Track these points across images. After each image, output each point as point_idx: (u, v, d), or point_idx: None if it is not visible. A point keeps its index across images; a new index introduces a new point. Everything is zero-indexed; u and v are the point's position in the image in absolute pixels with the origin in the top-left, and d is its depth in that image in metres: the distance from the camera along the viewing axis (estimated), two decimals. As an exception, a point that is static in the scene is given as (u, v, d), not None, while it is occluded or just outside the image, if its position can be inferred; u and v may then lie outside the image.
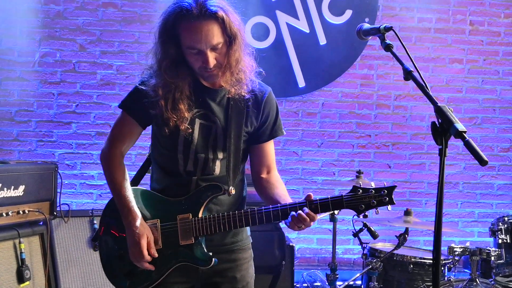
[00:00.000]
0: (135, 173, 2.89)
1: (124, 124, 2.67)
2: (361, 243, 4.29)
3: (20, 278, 3.85)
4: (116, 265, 2.65)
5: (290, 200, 2.53)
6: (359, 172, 4.47)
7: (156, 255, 2.53)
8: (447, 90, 5.93)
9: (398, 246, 4.05)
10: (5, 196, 3.79)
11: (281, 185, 2.72)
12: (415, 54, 5.83)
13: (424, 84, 2.03)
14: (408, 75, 2.10)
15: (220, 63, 2.47)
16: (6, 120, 5.53)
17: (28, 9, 5.52)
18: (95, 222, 4.48)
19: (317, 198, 2.42)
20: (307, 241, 5.72)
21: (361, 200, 2.38)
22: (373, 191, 2.38)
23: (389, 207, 2.39)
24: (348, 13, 5.72)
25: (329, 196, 2.42)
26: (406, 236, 4.00)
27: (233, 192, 2.58)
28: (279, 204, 2.49)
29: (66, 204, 4.41)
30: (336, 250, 4.54)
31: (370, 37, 2.52)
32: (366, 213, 2.40)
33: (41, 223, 4.14)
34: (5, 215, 3.79)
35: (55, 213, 4.19)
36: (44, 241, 4.11)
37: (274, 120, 2.71)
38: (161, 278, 2.56)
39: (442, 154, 1.85)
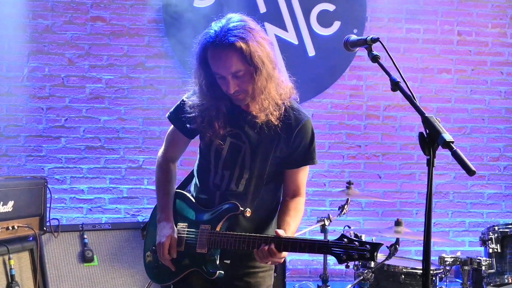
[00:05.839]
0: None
1: (172, 133, 2.92)
2: (352, 254, 4.28)
3: (10, 295, 3.83)
4: (149, 258, 2.87)
5: (287, 228, 2.61)
6: (349, 183, 4.47)
7: (174, 256, 2.70)
8: (436, 100, 5.95)
9: (389, 257, 4.04)
10: (-6, 212, 3.78)
11: (296, 213, 2.75)
12: (404, 64, 5.85)
13: (411, 95, 2.04)
14: (395, 86, 2.10)
15: (244, 90, 2.56)
16: (-5, 135, 5.51)
17: (16, 24, 5.51)
18: (85, 236, 4.46)
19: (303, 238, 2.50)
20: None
21: (345, 249, 2.38)
22: (357, 243, 2.36)
23: (372, 263, 2.41)
24: (337, 25, 5.74)
25: (316, 239, 2.48)
26: (397, 246, 4.00)
27: (248, 214, 2.63)
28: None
29: (56, 219, 4.39)
30: (328, 261, 4.52)
31: (358, 48, 2.53)
32: (348, 264, 2.41)
33: (30, 239, 4.12)
34: (-6, 231, 3.78)
35: (44, 228, 4.17)
36: (34, 257, 4.08)
37: (306, 148, 2.73)
38: (178, 278, 2.74)
39: (430, 164, 1.86)
